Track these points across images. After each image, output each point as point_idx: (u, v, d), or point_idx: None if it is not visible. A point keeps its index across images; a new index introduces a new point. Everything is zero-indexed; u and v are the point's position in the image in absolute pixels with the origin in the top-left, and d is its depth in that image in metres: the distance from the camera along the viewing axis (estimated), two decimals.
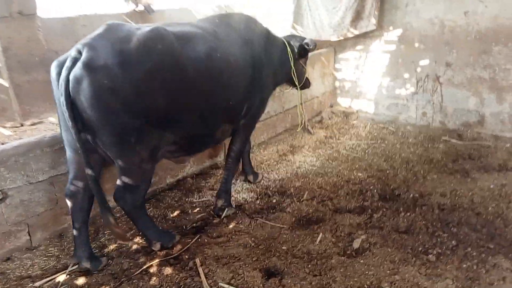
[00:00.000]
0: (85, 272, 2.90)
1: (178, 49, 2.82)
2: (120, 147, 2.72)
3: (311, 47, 4.09)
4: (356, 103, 6.40)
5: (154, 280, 2.80)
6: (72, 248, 3.23)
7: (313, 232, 3.29)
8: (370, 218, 3.47)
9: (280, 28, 6.06)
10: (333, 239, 3.19)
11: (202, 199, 3.98)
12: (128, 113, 2.60)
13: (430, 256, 2.90)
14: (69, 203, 2.91)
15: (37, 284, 2.78)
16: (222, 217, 3.59)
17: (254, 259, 3.00)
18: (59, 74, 2.54)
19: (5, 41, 3.58)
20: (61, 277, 2.86)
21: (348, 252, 3.04)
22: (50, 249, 3.23)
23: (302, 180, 4.33)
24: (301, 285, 2.68)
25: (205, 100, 3.07)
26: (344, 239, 3.19)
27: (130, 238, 3.27)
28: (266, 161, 4.95)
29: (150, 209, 3.82)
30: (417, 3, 5.29)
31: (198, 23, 3.33)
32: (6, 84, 3.79)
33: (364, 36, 5.87)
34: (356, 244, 3.08)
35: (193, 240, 3.23)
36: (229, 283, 2.72)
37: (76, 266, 2.97)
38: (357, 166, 4.66)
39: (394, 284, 2.64)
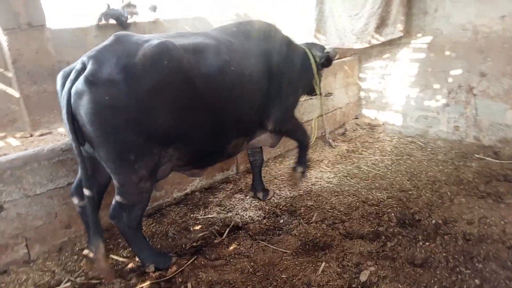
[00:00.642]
0: None
1: (186, 65, 2.71)
2: (119, 164, 2.61)
3: (332, 55, 3.98)
4: (382, 114, 6.00)
5: None
6: (69, 263, 3.19)
7: (318, 260, 3.01)
8: (383, 246, 3.14)
9: (303, 36, 5.83)
10: (339, 269, 2.89)
11: (207, 216, 3.81)
12: (129, 130, 2.51)
13: None
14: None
15: None
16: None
17: (249, 287, 2.77)
18: (63, 85, 2.52)
19: (14, 53, 3.61)
20: None
21: (353, 285, 2.73)
22: (47, 263, 3.18)
23: (315, 198, 4.05)
24: None
25: (214, 115, 2.96)
26: (350, 269, 2.88)
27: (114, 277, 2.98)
28: (280, 176, 4.71)
29: (152, 225, 3.70)
30: (447, 7, 4.86)
31: (213, 33, 3.22)
32: (16, 95, 3.83)
33: (391, 43, 5.49)
34: (363, 277, 2.77)
35: (188, 262, 3.05)
36: None
37: (69, 283, 2.90)
38: (377, 184, 4.31)
39: None
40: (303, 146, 4.02)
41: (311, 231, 3.42)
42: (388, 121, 5.92)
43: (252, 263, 3.03)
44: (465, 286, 2.63)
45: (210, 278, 2.87)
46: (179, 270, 2.98)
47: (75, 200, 2.94)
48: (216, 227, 3.59)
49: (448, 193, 3.94)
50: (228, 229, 3.47)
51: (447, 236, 3.20)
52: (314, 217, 3.61)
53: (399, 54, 5.49)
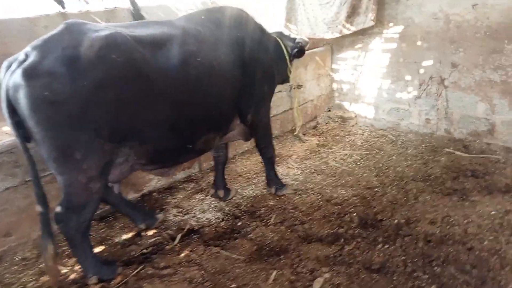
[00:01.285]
0: None
1: (138, 58, 2.52)
2: (62, 163, 2.42)
3: (304, 45, 3.88)
4: (355, 107, 5.83)
5: None
6: (7, 275, 2.98)
7: (271, 267, 2.85)
8: (341, 250, 2.99)
9: (273, 26, 5.58)
10: (292, 277, 2.73)
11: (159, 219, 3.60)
12: (72, 127, 2.33)
13: None
14: None
15: None
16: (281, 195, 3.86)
17: None
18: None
19: None
20: None
21: None
22: None
23: (278, 198, 3.88)
24: None
25: (177, 111, 2.78)
26: (304, 277, 2.73)
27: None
28: (245, 173, 4.53)
29: (102, 230, 3.49)
30: None
31: (179, 22, 3.02)
32: None
33: (363, 33, 5.30)
34: (316, 286, 2.62)
35: (134, 272, 2.86)
36: None
37: None
38: (343, 181, 4.16)
39: None
40: (268, 161, 3.90)
41: (269, 234, 3.25)
42: (361, 113, 5.76)
43: (202, 272, 2.85)
44: None
45: None
46: (123, 281, 2.78)
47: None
48: (170, 232, 3.40)
49: (414, 190, 3.81)
50: (180, 234, 3.27)
51: (407, 238, 3.06)
52: (272, 219, 3.45)
53: (371, 44, 5.31)
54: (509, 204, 3.36)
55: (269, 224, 3.40)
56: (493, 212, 3.27)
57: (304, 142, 5.37)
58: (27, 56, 2.27)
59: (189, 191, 4.13)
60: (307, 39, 4.00)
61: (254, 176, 4.43)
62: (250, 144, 5.05)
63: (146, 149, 2.75)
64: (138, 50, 2.53)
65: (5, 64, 2.37)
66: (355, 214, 3.45)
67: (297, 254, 2.97)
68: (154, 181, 4.12)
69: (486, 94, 4.45)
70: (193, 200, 3.94)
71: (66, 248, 3.16)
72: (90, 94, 2.32)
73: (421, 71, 4.90)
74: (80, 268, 2.85)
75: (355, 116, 5.81)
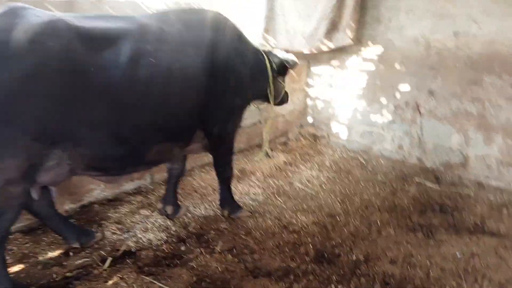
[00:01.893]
0: None
1: (80, 50, 2.26)
2: None
3: (291, 65, 3.67)
4: (327, 125, 5.58)
5: None
6: None
7: None
8: None
9: (251, 35, 5.29)
10: None
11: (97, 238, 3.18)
12: None
13: None
14: None
15: None
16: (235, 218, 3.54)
17: None
18: None
19: None
20: None
21: None
22: None
23: (231, 220, 3.53)
24: None
25: (120, 114, 2.48)
26: None
27: None
28: (201, 189, 4.17)
29: (27, 245, 3.06)
30: (402, 17, 4.48)
31: (142, 19, 2.72)
32: None
33: (341, 50, 5.06)
34: None
35: None
36: None
37: None
38: (305, 206, 3.86)
39: None
40: (224, 181, 3.55)
41: (212, 263, 2.89)
42: (333, 133, 5.51)
43: None
44: None
45: None
46: None
47: None
48: (103, 252, 3.00)
49: (378, 222, 3.54)
50: (110, 258, 2.87)
51: (364, 278, 2.76)
52: (218, 246, 3.09)
53: (349, 62, 5.08)
54: (475, 246, 3.12)
55: (215, 251, 3.04)
56: (458, 255, 3.02)
57: (271, 159, 5.06)
58: None
59: (135, 205, 3.73)
60: (296, 60, 3.73)
61: (211, 192, 4.07)
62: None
63: (82, 153, 2.45)
64: (80, 42, 2.27)
65: None
66: (311, 246, 3.13)
67: None
68: (96, 191, 3.71)
69: (462, 126, 4.26)
70: (137, 216, 3.55)
71: None
72: (17, 84, 2.08)
73: (397, 95, 4.69)
74: None
75: (327, 135, 5.55)
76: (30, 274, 2.74)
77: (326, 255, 3.05)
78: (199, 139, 3.21)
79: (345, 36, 4.84)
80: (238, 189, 4.18)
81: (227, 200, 3.57)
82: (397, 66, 4.59)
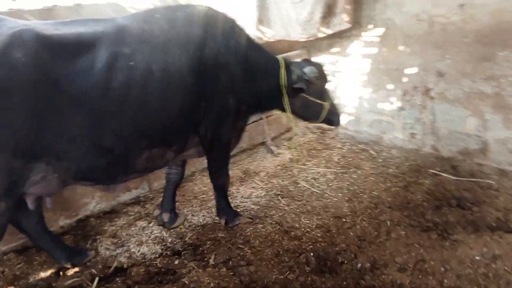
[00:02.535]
0: None
1: (49, 59, 2.19)
2: None
3: (309, 76, 3.19)
4: None
5: None
6: None
7: None
8: None
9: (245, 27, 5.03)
10: None
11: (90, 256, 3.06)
12: None
13: None
14: None
15: None
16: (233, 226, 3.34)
17: None
18: None
19: None
20: None
21: None
22: None
23: (229, 228, 3.34)
24: None
25: (100, 123, 2.38)
26: None
27: None
28: (202, 194, 4.00)
29: (19, 265, 2.99)
30: None
31: (122, 20, 2.59)
32: None
33: (340, 35, 4.73)
34: None
35: None
36: None
37: None
38: (309, 207, 3.62)
39: None
40: (219, 187, 3.35)
41: (205, 279, 2.71)
42: (341, 124, 5.18)
43: None
44: None
45: None
46: None
47: None
48: (94, 271, 2.88)
49: (388, 222, 3.26)
50: (97, 279, 2.74)
51: None
52: (212, 259, 2.90)
53: (350, 48, 4.75)
54: (498, 246, 2.79)
55: (209, 264, 2.86)
56: (477, 257, 2.71)
57: (276, 156, 4.84)
58: None
59: (132, 216, 3.61)
60: (315, 71, 3.22)
61: (212, 198, 3.88)
62: None
63: (67, 166, 2.38)
64: (49, 51, 2.20)
65: None
66: (312, 254, 2.90)
67: None
68: (92, 205, 3.61)
69: (476, 108, 3.87)
70: (133, 228, 3.42)
71: None
72: None
73: (404, 79, 4.33)
74: None
75: (335, 127, 5.24)
76: None
77: (328, 264, 2.82)
78: (196, 143, 3.03)
79: (342, 20, 4.51)
80: (240, 193, 3.99)
81: (224, 208, 3.38)
82: (401, 47, 4.22)
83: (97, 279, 2.74)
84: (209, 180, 4.21)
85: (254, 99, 3.22)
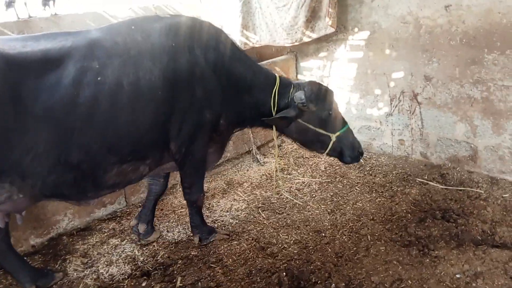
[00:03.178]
0: None
1: (10, 79, 2.17)
2: None
3: (299, 102, 2.89)
4: None
5: None
6: None
7: None
8: None
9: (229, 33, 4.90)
10: None
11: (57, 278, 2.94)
12: None
13: None
14: None
15: None
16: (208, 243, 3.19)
17: None
18: None
19: None
20: None
21: None
22: None
23: (203, 245, 3.21)
24: None
25: (65, 139, 2.33)
26: None
27: None
28: (181, 207, 3.87)
29: None
30: None
31: (94, 33, 2.52)
32: None
33: (327, 40, 4.59)
34: None
35: None
36: None
37: None
38: (289, 221, 3.48)
39: None
40: (192, 204, 3.16)
41: None
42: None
43: None
44: None
45: None
46: None
47: None
48: None
49: (369, 236, 3.10)
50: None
51: None
52: (178, 281, 2.77)
53: (337, 52, 4.59)
54: (481, 263, 2.61)
55: (176, 287, 2.73)
56: (458, 276, 2.53)
57: (262, 165, 4.70)
58: None
59: (106, 234, 3.50)
60: (302, 97, 2.87)
61: None
62: None
63: (32, 184, 2.32)
64: (12, 70, 2.17)
65: None
66: (284, 273, 2.75)
67: None
68: (64, 222, 3.51)
69: (465, 113, 3.69)
70: (105, 247, 3.31)
71: None
72: None
73: (392, 84, 4.16)
74: None
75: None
76: None
77: (301, 284, 2.67)
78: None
79: (327, 23, 4.36)
80: (220, 206, 3.86)
81: (198, 225, 3.22)
82: (387, 51, 4.06)
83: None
84: None
85: (237, 115, 3.04)
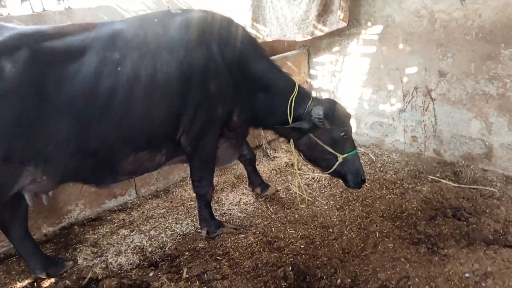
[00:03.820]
0: None
1: (37, 69, 2.24)
2: None
3: (316, 117, 2.85)
4: None
5: None
6: None
7: None
8: None
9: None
10: None
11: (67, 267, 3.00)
12: None
13: None
14: None
15: None
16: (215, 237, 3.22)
17: None
18: None
19: None
20: None
21: None
22: None
23: (211, 239, 3.23)
24: None
25: (86, 127, 2.43)
26: None
27: None
28: (191, 200, 3.90)
29: None
30: None
31: (115, 25, 2.61)
32: None
33: (340, 34, 4.53)
34: None
35: None
36: None
37: None
38: (297, 216, 3.46)
39: None
40: (201, 197, 3.19)
41: None
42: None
43: None
44: None
45: None
46: None
47: None
48: (68, 282, 2.84)
49: (377, 233, 3.06)
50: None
51: None
52: (184, 272, 2.79)
53: (349, 47, 4.52)
54: (491, 262, 2.54)
55: (182, 278, 2.76)
56: (467, 275, 2.48)
57: (272, 160, 4.69)
58: None
59: (116, 224, 3.55)
60: (320, 114, 2.84)
61: None
62: None
63: (55, 168, 2.44)
64: (38, 60, 2.24)
65: None
66: (290, 268, 2.75)
67: None
68: (76, 212, 3.58)
69: (480, 110, 3.59)
70: (115, 237, 3.37)
71: None
72: None
73: (405, 79, 4.08)
74: None
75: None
76: None
77: (307, 279, 2.66)
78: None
79: (339, 18, 4.29)
80: (229, 199, 3.87)
81: (206, 218, 3.25)
82: (401, 45, 3.97)
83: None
84: None
85: (251, 113, 3.04)
